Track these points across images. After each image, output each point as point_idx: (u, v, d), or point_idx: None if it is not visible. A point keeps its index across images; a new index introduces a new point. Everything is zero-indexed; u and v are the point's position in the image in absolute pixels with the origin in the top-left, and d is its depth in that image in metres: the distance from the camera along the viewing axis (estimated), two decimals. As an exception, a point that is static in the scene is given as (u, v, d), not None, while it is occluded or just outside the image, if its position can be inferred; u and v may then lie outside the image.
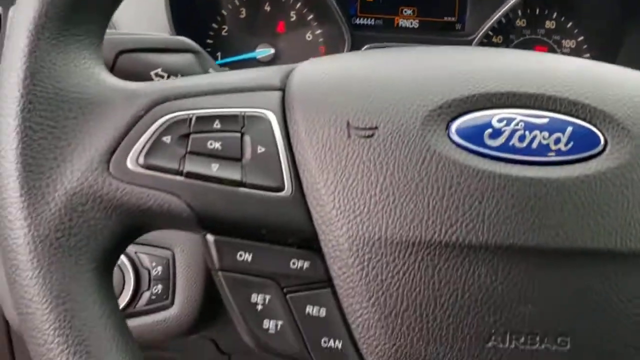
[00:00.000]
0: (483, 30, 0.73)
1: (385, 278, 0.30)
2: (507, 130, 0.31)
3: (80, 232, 0.30)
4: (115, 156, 0.31)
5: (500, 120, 0.31)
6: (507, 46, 0.77)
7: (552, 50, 0.76)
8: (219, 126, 0.32)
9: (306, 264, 0.32)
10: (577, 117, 0.32)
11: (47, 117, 0.31)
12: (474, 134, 0.31)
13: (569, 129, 0.31)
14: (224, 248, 0.32)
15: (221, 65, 0.74)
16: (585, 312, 0.30)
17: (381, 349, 0.30)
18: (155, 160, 0.31)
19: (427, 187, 0.31)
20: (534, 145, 0.30)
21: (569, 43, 0.75)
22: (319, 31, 0.74)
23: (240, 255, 0.32)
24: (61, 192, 0.30)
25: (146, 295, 0.55)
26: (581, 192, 0.30)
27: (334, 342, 0.32)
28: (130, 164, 0.31)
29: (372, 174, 0.31)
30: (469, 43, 0.73)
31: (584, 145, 0.31)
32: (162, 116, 0.31)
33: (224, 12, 0.74)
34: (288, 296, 0.32)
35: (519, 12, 0.75)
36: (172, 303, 0.55)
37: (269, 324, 0.32)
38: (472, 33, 0.74)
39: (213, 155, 0.31)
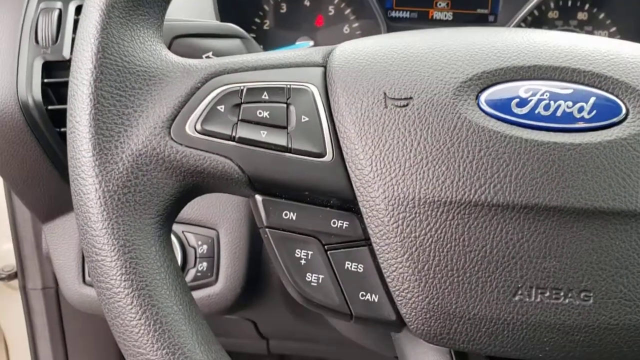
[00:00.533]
0: (515, 21, 0.74)
1: (418, 235, 0.32)
2: (533, 99, 0.33)
3: (144, 189, 0.33)
4: (175, 122, 0.34)
5: (526, 91, 0.33)
6: None
7: None
8: (266, 97, 0.34)
9: (345, 224, 0.34)
10: (600, 88, 0.33)
11: (116, 87, 0.34)
12: (502, 104, 0.33)
13: (592, 99, 0.33)
14: (270, 207, 0.35)
15: None
16: (607, 268, 0.31)
17: (414, 301, 0.32)
18: (211, 126, 0.34)
19: (458, 151, 0.33)
20: (559, 113, 0.32)
21: (601, 34, 0.75)
22: (356, 24, 0.76)
23: (286, 214, 0.35)
24: (128, 153, 0.33)
25: (192, 272, 0.59)
26: (603, 156, 0.32)
27: (371, 296, 0.34)
28: (188, 129, 0.34)
29: (406, 140, 0.33)
30: None
31: (606, 113, 0.33)
32: (216, 88, 0.34)
33: (266, 7, 0.76)
34: (329, 252, 0.34)
35: (552, 4, 0.75)
36: (216, 280, 0.59)
37: (311, 277, 0.34)
38: (504, 24, 0.75)
39: (262, 123, 0.34)
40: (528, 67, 0.33)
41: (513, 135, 0.32)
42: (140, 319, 0.31)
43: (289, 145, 0.34)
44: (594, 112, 0.33)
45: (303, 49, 0.38)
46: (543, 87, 0.33)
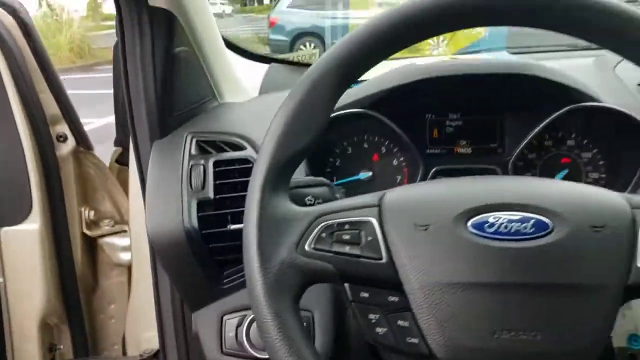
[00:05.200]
0: (518, 150, 0.86)
1: (438, 303, 0.47)
2: (497, 223, 0.49)
3: (286, 281, 0.49)
4: (300, 244, 0.50)
5: (495, 218, 0.49)
6: (540, 160, 0.89)
7: (573, 161, 0.88)
8: (347, 228, 0.51)
9: (396, 299, 0.51)
10: (536, 213, 0.49)
11: (267, 227, 0.50)
12: (480, 226, 0.49)
13: (532, 220, 0.48)
14: (353, 290, 0.52)
15: (337, 185, 0.92)
16: (551, 318, 0.46)
17: (439, 341, 0.48)
18: (318, 245, 0.51)
19: (458, 254, 0.48)
20: (512, 230, 0.48)
21: (586, 155, 0.87)
22: (402, 158, 0.91)
23: (362, 294, 0.52)
24: (277, 262, 0.49)
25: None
26: (539, 251, 0.47)
27: (414, 340, 0.49)
28: (307, 248, 0.50)
29: (428, 249, 0.49)
30: (508, 161, 0.86)
31: (540, 228, 0.48)
32: (320, 224, 0.51)
33: (337, 150, 0.92)
34: (388, 315, 0.51)
35: (546, 136, 0.87)
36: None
37: (379, 330, 0.51)
38: (510, 154, 0.87)
39: (346, 242, 0.50)
40: (496, 204, 0.50)
41: (487, 244, 0.48)
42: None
43: (362, 254, 0.50)
44: (533, 228, 0.48)
45: (367, 195, 0.54)
46: (503, 215, 0.49)
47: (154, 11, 0.81)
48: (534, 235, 0.48)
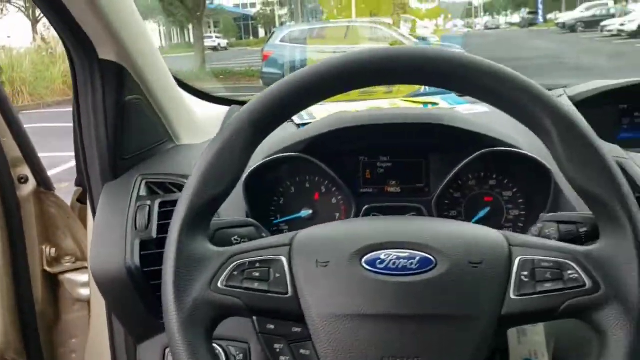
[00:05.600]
0: (438, 191, 0.93)
1: (333, 334, 0.52)
2: (387, 259, 0.54)
3: (199, 316, 0.53)
4: (213, 282, 0.54)
5: (385, 255, 0.54)
6: (464, 198, 0.94)
7: (495, 199, 0.94)
8: (259, 265, 0.55)
9: (299, 329, 0.58)
10: (421, 251, 0.54)
11: (184, 266, 0.54)
12: (372, 262, 0.54)
13: (418, 257, 0.54)
14: (261, 322, 0.59)
15: (280, 222, 0.98)
16: (432, 344, 0.52)
17: None
18: (230, 282, 0.54)
19: (352, 288, 0.53)
20: (400, 266, 0.53)
21: (507, 193, 0.94)
22: (340, 197, 0.98)
23: (269, 326, 0.59)
24: (191, 299, 0.53)
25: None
26: (423, 285, 0.52)
27: None
28: (220, 285, 0.54)
29: (327, 284, 0.53)
30: (432, 199, 0.93)
31: (424, 264, 0.54)
32: (232, 263, 0.55)
33: (280, 189, 0.98)
34: (291, 345, 0.59)
35: (470, 175, 0.93)
36: None
37: (283, 358, 0.58)
38: (435, 191, 0.94)
39: (255, 279, 0.54)
40: (388, 243, 0.55)
41: (377, 279, 0.53)
42: None
43: (269, 289, 0.54)
44: (419, 264, 0.53)
45: (280, 235, 0.59)
46: (393, 252, 0.54)
47: (104, 64, 0.88)
48: (419, 271, 0.54)
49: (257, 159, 0.94)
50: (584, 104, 1.08)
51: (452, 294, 0.53)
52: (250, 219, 0.71)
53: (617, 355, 0.51)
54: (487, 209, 0.95)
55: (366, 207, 0.96)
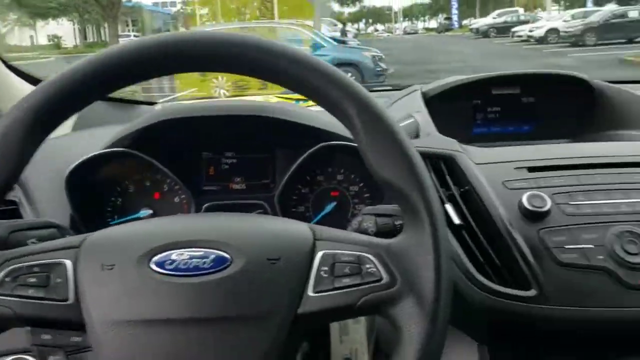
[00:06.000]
0: (280, 187, 0.90)
1: (113, 343, 0.48)
2: (178, 259, 0.50)
3: None
4: None
5: (178, 255, 0.50)
6: (312, 193, 0.92)
7: (342, 194, 0.92)
8: (37, 270, 0.50)
9: (79, 339, 0.53)
10: (217, 249, 0.50)
11: None
12: (162, 263, 0.50)
13: (212, 256, 0.50)
14: (35, 333, 0.53)
15: (116, 223, 0.91)
16: (222, 348, 0.48)
17: None
18: (3, 290, 0.49)
19: (138, 292, 0.49)
20: (192, 266, 0.49)
21: (354, 188, 0.93)
22: (183, 196, 0.93)
23: (44, 336, 0.53)
24: None
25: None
26: (216, 285, 0.49)
27: None
28: None
29: (111, 288, 0.49)
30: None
31: (219, 263, 0.50)
32: (5, 269, 0.50)
33: (118, 189, 0.93)
34: (69, 356, 0.53)
35: (318, 171, 0.92)
36: None
37: None
38: (279, 186, 0.91)
39: (30, 285, 0.49)
40: (180, 242, 0.51)
41: (165, 280, 0.49)
42: None
43: (46, 296, 0.49)
44: (213, 262, 0.50)
45: (69, 237, 0.55)
46: (186, 252, 0.50)
47: None
48: (211, 270, 0.50)
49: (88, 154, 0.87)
50: (437, 99, 1.08)
51: (245, 293, 0.50)
52: (50, 220, 0.65)
53: (410, 351, 0.49)
54: (334, 204, 0.93)
55: (206, 205, 0.92)
